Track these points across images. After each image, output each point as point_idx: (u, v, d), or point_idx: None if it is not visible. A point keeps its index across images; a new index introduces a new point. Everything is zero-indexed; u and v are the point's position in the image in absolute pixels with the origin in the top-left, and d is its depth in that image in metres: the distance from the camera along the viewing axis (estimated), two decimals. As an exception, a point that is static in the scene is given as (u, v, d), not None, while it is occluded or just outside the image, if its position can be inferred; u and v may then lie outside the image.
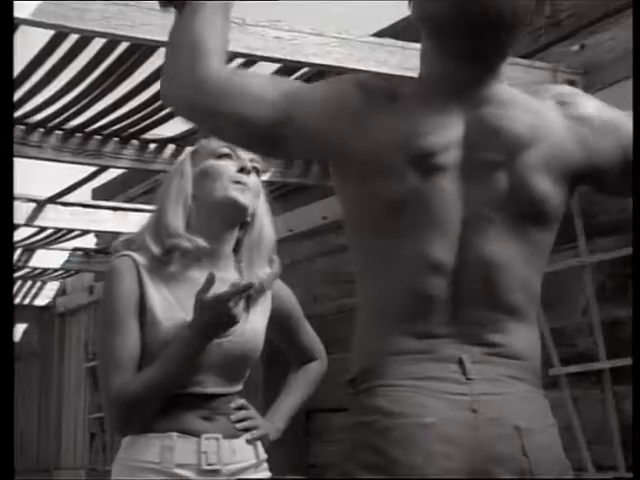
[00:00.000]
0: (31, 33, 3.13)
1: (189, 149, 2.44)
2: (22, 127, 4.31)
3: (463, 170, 1.56)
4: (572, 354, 3.67)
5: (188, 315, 2.23)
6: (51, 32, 3.30)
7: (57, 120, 4.30)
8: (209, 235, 2.31)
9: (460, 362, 1.53)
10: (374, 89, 1.58)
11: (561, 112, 1.61)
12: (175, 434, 2.23)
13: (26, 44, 3.44)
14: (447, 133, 1.56)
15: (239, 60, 3.61)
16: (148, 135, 4.59)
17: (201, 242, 2.29)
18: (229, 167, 2.33)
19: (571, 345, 3.68)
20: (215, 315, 2.18)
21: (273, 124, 1.55)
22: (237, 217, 2.35)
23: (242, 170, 2.33)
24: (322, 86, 1.62)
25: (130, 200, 6.68)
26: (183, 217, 2.31)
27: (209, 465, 2.24)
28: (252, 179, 2.34)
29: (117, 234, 6.31)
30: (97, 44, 3.52)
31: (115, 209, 5.87)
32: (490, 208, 1.55)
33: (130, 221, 5.86)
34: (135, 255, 2.28)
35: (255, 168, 2.37)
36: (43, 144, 4.39)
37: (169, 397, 2.24)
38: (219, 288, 2.24)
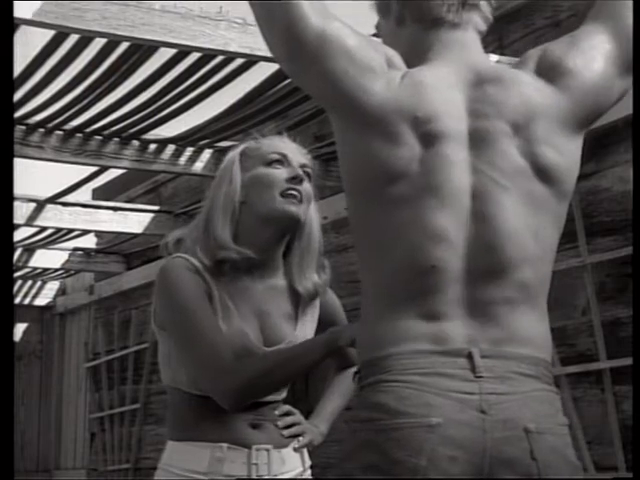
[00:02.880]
0: (31, 33, 3.13)
1: (237, 151, 2.36)
2: (22, 127, 4.32)
3: (469, 140, 1.57)
4: (572, 354, 3.67)
5: (244, 323, 2.22)
6: (51, 32, 3.31)
7: (57, 120, 4.30)
8: (259, 243, 2.26)
9: (469, 356, 1.49)
10: (392, 61, 1.63)
11: (545, 79, 1.63)
12: (226, 445, 2.20)
13: (26, 44, 3.44)
14: (449, 104, 1.58)
15: (239, 60, 3.62)
16: (148, 135, 4.59)
17: (250, 254, 2.24)
18: (280, 175, 2.25)
19: (571, 345, 3.68)
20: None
21: (315, 36, 1.57)
22: (289, 228, 2.29)
23: (294, 179, 2.25)
24: (361, 38, 1.64)
25: (130, 200, 6.69)
26: (231, 227, 2.25)
27: (259, 477, 2.22)
28: (304, 186, 2.27)
29: (117, 234, 6.34)
30: (97, 44, 3.52)
31: (115, 209, 5.87)
32: (499, 178, 1.55)
33: (130, 221, 5.86)
34: (192, 259, 2.24)
35: (306, 173, 2.30)
36: (43, 144, 4.39)
37: (219, 405, 2.19)
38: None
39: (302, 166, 2.30)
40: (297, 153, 2.32)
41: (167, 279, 2.23)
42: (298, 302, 2.33)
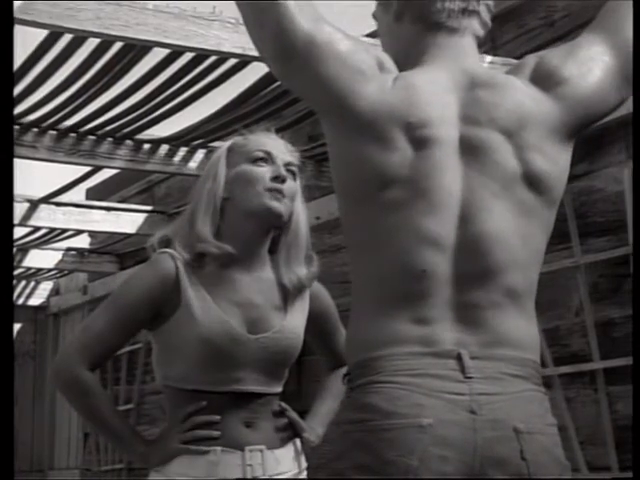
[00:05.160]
0: (25, 33, 3.13)
1: (224, 147, 2.39)
2: (16, 127, 4.31)
3: (460, 146, 1.57)
4: (565, 354, 3.67)
5: (226, 313, 2.24)
6: (45, 32, 3.30)
7: (51, 120, 4.29)
8: (243, 238, 2.30)
9: (459, 358, 1.49)
10: (384, 64, 1.63)
11: (540, 86, 1.63)
12: (219, 449, 2.21)
13: (20, 44, 3.43)
14: (442, 108, 1.58)
15: (233, 60, 3.61)
16: (142, 135, 4.58)
17: (228, 248, 2.27)
18: (264, 174, 2.28)
19: (564, 345, 3.69)
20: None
21: (303, 40, 1.57)
22: (272, 224, 2.32)
23: (277, 178, 2.28)
24: (352, 42, 1.63)
25: (124, 200, 6.68)
26: (212, 223, 2.29)
27: (254, 477, 2.22)
28: (288, 184, 2.30)
29: (110, 234, 6.33)
30: (91, 44, 3.52)
31: (109, 209, 5.86)
32: (489, 184, 1.56)
33: (124, 221, 5.86)
34: (175, 253, 2.28)
35: (291, 172, 2.33)
36: (37, 144, 4.39)
37: (210, 399, 2.23)
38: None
39: (287, 164, 2.32)
40: (282, 151, 2.34)
41: (135, 274, 2.34)
42: (287, 294, 2.34)
